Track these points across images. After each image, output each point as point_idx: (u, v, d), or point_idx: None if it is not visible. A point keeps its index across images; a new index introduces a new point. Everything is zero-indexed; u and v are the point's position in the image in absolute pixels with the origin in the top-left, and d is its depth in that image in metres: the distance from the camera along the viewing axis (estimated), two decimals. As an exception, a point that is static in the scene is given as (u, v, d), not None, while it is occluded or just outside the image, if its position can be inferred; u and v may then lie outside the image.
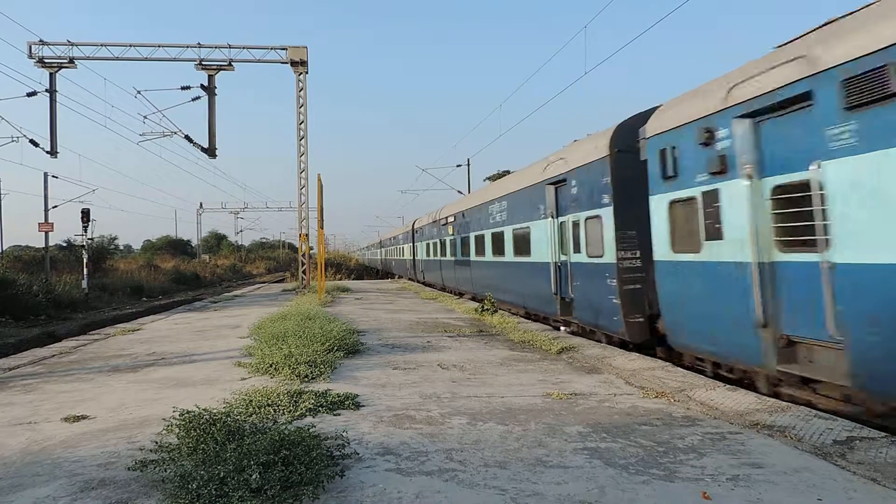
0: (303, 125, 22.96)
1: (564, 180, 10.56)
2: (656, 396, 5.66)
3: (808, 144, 5.13)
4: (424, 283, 29.28)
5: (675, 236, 7.25)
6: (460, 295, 20.50)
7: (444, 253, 23.45)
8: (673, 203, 7.25)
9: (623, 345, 8.73)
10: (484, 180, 51.03)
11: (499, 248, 15.04)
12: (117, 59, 21.81)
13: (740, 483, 3.50)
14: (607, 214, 8.84)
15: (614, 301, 8.63)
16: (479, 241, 17.25)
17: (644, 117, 8.29)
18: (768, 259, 5.76)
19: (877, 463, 3.77)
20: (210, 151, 22.69)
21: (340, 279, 36.89)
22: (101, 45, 21.72)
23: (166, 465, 3.62)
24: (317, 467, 3.52)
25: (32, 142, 22.47)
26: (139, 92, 21.56)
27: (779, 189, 5.61)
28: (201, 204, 69.28)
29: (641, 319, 8.36)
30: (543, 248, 11.62)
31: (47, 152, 21.85)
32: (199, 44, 21.85)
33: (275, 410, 5.06)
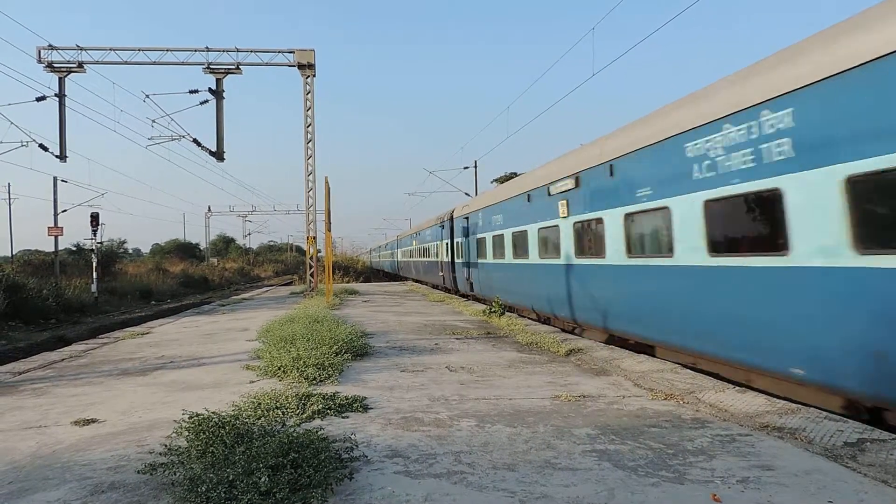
0: (310, 128, 23.04)
1: None
2: (665, 398, 5.64)
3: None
4: (470, 296, 20.58)
5: None
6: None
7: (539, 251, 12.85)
8: None
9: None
10: (491, 182, 50.98)
11: (724, 239, 6.72)
12: (126, 63, 21.98)
13: (750, 485, 3.47)
14: None
15: None
16: (686, 220, 7.34)
17: None
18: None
19: (888, 465, 3.74)
20: (218, 155, 22.80)
21: (348, 282, 36.93)
22: (110, 50, 21.91)
23: (176, 469, 3.63)
24: (325, 470, 3.52)
25: (42, 146, 22.65)
26: (147, 96, 21.70)
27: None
28: (209, 207, 69.93)
29: None
30: None
31: (56, 156, 22.03)
32: (206, 47, 22.00)
33: (283, 413, 5.08)
